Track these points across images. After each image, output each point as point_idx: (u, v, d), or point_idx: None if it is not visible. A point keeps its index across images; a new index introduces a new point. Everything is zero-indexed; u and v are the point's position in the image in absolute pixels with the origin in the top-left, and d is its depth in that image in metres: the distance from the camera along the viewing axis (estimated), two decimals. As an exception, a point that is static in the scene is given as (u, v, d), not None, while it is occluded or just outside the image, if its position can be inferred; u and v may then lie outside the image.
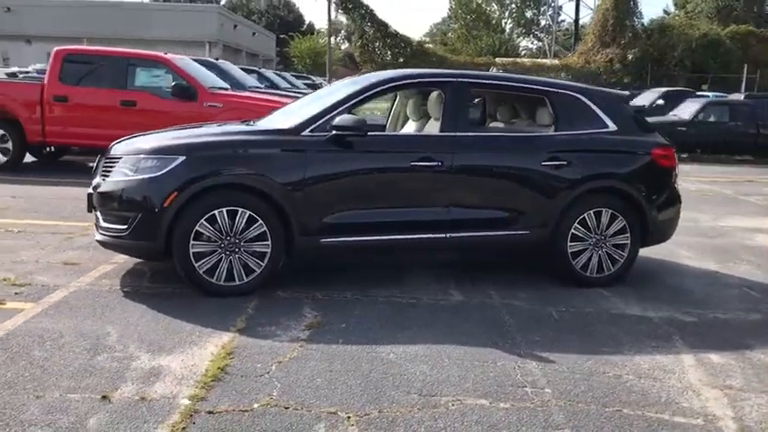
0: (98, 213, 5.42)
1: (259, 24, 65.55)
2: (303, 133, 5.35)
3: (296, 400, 3.58)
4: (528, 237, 5.76)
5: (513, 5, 73.43)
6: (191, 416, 3.35)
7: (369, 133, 5.41)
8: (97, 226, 5.46)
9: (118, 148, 5.56)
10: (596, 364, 4.25)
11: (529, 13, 73.69)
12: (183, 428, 3.24)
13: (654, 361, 4.37)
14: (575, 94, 6.03)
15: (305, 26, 71.48)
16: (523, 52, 67.24)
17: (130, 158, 5.25)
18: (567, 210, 5.79)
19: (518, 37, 74.48)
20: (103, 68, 11.15)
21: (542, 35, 70.32)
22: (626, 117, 6.16)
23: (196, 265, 5.12)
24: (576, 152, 5.83)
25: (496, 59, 40.04)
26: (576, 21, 53.18)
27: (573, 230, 5.82)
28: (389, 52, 35.57)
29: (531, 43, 75.31)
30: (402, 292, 5.51)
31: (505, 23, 72.76)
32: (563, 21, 70.23)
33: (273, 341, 4.38)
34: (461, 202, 5.62)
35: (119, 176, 5.25)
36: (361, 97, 5.59)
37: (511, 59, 40.11)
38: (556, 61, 41.35)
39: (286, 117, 5.88)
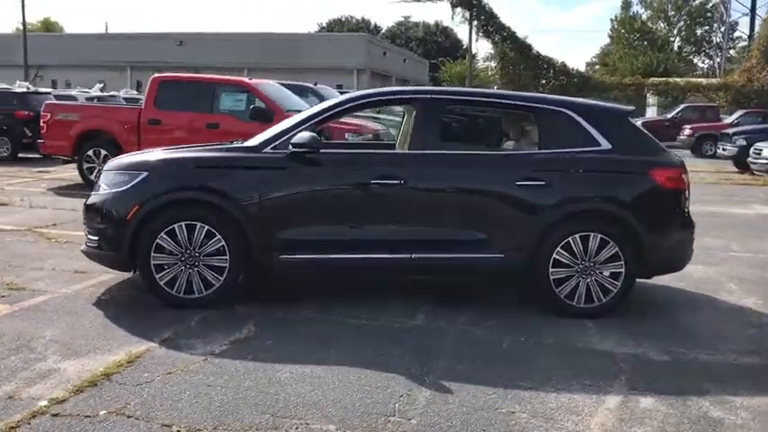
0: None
1: (416, 51, 66.92)
2: (264, 150, 5.42)
3: (145, 410, 3.61)
4: (502, 260, 5.43)
5: (682, 23, 69.39)
6: (33, 416, 3.49)
7: (331, 151, 5.40)
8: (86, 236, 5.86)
9: (106, 164, 5.94)
10: (499, 399, 3.92)
11: (699, 31, 69.22)
12: (14, 428, 3.38)
13: (568, 400, 3.95)
14: (564, 110, 5.62)
15: (461, 51, 71.91)
16: (693, 71, 63.16)
17: (108, 174, 5.59)
18: (546, 233, 5.40)
19: (688, 55, 70.15)
20: (193, 93, 11.92)
21: (714, 53, 65.67)
22: (624, 135, 5.65)
23: (157, 276, 5.33)
24: (557, 172, 5.43)
25: (651, 79, 37.99)
26: (750, 37, 49.22)
27: (555, 255, 5.41)
28: (531, 74, 34.87)
29: (702, 62, 70.58)
30: (366, 313, 5.39)
31: (673, 41, 68.90)
32: (738, 37, 65.20)
33: (184, 353, 4.45)
34: (427, 223, 5.42)
35: (97, 190, 5.60)
36: (325, 115, 5.58)
37: (663, 79, 37.81)
38: (714, 80, 38.46)
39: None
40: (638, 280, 5.67)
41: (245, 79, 12.27)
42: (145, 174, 5.38)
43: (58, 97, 18.00)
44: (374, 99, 5.74)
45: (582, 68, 47.99)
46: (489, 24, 34.85)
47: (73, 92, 23.38)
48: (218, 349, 4.55)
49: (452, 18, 37.94)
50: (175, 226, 5.29)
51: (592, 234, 5.40)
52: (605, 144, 5.53)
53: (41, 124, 12.65)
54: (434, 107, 5.55)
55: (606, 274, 5.44)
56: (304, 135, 5.29)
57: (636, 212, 5.43)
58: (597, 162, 5.50)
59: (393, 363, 4.40)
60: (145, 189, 5.32)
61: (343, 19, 75.80)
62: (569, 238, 5.40)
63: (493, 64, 46.64)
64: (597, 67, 69.30)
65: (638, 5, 70.98)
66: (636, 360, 4.63)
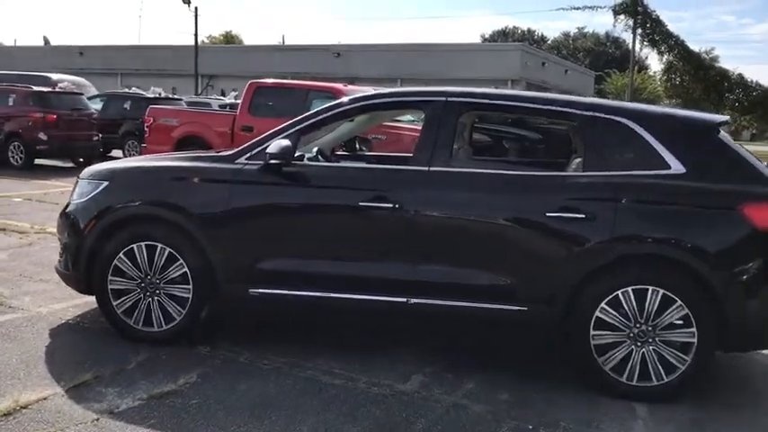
0: (63, 238, 5.20)
1: (583, 62, 63.77)
2: (238, 161, 4.50)
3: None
4: (525, 315, 4.13)
5: None
6: None
7: (315, 164, 4.40)
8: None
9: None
10: None
11: None
12: None
13: None
14: (622, 119, 4.20)
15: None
16: None
17: (80, 182, 4.92)
18: (587, 283, 4.05)
19: None
20: (286, 100, 11.33)
21: None
22: (706, 155, 4.14)
23: (114, 303, 4.57)
24: (605, 201, 4.04)
25: None
26: None
27: (599, 314, 4.03)
28: (701, 87, 31.57)
29: None
30: (348, 368, 4.30)
31: None
32: None
33: (81, 407, 3.61)
34: (428, 260, 4.25)
35: (68, 200, 4.96)
36: (309, 122, 4.54)
37: None
38: None
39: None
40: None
41: (339, 85, 11.51)
42: (105, 183, 4.65)
43: (189, 104, 18.40)
44: (369, 103, 4.60)
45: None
46: (655, 32, 31.99)
47: (211, 99, 24.03)
48: (124, 405, 3.66)
49: (614, 26, 35.43)
50: (134, 246, 4.51)
51: (651, 288, 3.96)
52: (677, 166, 4.06)
53: (145, 129, 12.66)
54: (446, 113, 4.35)
55: (671, 343, 3.98)
56: (278, 143, 4.31)
57: (717, 262, 3.93)
58: (664, 190, 4.04)
59: (324, 447, 3.30)
60: (102, 201, 4.59)
61: (507, 30, 74.03)
62: (619, 292, 4.00)
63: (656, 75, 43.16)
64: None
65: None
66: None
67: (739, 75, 31.85)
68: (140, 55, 50.05)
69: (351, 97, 4.60)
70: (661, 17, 31.74)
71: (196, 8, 42.66)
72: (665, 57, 32.36)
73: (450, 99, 4.39)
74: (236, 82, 47.26)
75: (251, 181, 4.41)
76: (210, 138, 11.79)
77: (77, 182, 4.95)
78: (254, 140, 4.59)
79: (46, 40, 57.34)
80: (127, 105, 18.19)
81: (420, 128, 10.73)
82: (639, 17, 31.66)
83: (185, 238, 4.44)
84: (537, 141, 5.03)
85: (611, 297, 4.02)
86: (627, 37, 71.90)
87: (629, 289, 3.99)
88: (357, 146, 5.98)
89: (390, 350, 4.63)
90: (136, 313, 4.55)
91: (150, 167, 4.74)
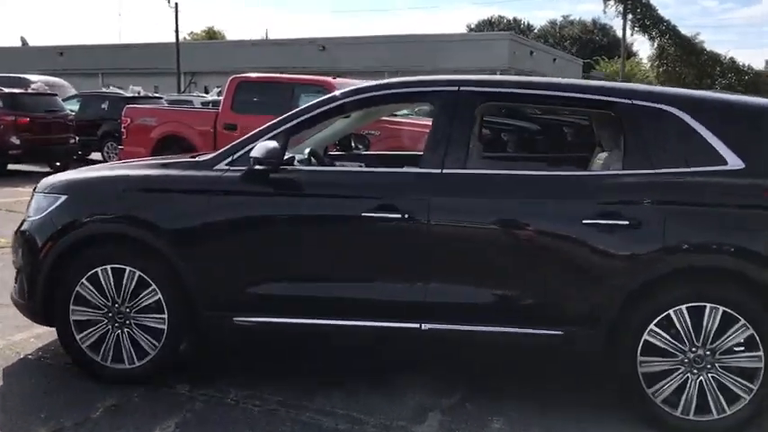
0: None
1: (570, 50, 63.16)
2: (217, 167, 3.85)
3: None
4: (561, 339, 3.51)
5: None
6: None
7: (308, 168, 3.77)
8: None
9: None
10: None
11: None
12: None
13: None
14: (667, 107, 3.58)
15: (619, 49, 67.27)
16: None
17: (36, 196, 4.25)
18: (632, 301, 3.43)
19: None
20: (271, 95, 10.66)
21: None
22: (768, 146, 3.53)
23: (78, 336, 3.92)
24: (652, 205, 3.43)
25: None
26: None
27: (647, 336, 3.43)
28: (693, 72, 31.12)
29: None
30: (348, 407, 3.67)
31: None
32: None
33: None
34: (445, 278, 3.62)
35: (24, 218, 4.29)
36: (303, 118, 3.88)
37: None
38: None
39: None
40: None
41: (328, 78, 10.84)
42: (63, 198, 3.98)
43: (170, 103, 17.67)
44: (368, 96, 3.91)
45: (761, 66, 42.67)
46: (646, 17, 31.51)
47: (192, 96, 23.28)
48: (84, 470, 3.03)
49: (605, 12, 34.92)
50: (99, 270, 3.85)
51: (708, 306, 3.36)
52: (734, 161, 3.44)
53: (122, 130, 11.94)
54: (460, 105, 3.70)
55: (733, 369, 3.38)
56: (264, 146, 3.66)
57: (787, 274, 3.33)
58: (720, 190, 3.43)
59: None
60: (60, 218, 3.92)
61: (492, 20, 73.26)
62: (671, 311, 3.40)
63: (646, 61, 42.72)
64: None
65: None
66: None
67: (731, 59, 31.50)
68: (121, 54, 49.02)
69: (346, 90, 3.94)
70: (651, 1, 31.25)
71: (176, 4, 41.78)
72: (656, 42, 31.94)
73: (463, 89, 3.74)
74: (220, 79, 46.39)
75: (233, 191, 3.75)
76: (192, 137, 11.09)
77: (33, 195, 4.28)
78: (235, 143, 3.94)
79: (23, 41, 56.05)
80: (105, 106, 17.41)
81: (418, 122, 10.27)
82: (629, 2, 31.17)
83: (157, 259, 3.80)
84: (553, 135, 4.39)
85: (661, 317, 3.41)
86: (615, 24, 71.45)
87: (683, 307, 3.39)
88: (353, 144, 5.33)
89: (398, 380, 3.99)
90: (103, 348, 3.90)
91: (114, 177, 4.08)
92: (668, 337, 3.41)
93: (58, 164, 14.99)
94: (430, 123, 10.35)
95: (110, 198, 3.92)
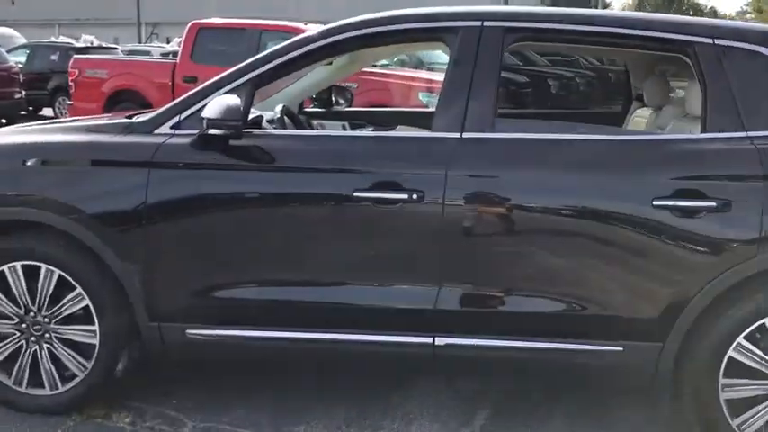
0: None
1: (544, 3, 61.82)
2: (158, 132, 2.88)
3: None
4: (620, 358, 2.67)
5: None
6: None
7: (267, 131, 2.85)
8: None
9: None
10: None
11: None
12: None
13: None
14: (757, 47, 2.69)
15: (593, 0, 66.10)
16: None
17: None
18: (716, 307, 2.59)
19: None
20: (236, 43, 9.58)
21: None
22: None
23: (-19, 354, 2.99)
24: (746, 181, 2.56)
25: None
26: None
27: (733, 353, 2.60)
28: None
29: None
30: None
31: None
32: None
33: None
34: (467, 278, 2.73)
35: None
36: (274, 65, 2.87)
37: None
38: None
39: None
40: None
41: (300, 24, 9.75)
42: (-41, 173, 3.00)
43: (128, 54, 16.37)
44: (359, 34, 2.80)
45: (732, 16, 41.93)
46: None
47: (152, 47, 21.86)
48: None
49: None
50: (5, 268, 2.91)
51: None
52: None
53: (69, 83, 10.76)
54: (485, 47, 2.76)
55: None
56: (221, 102, 2.69)
57: None
58: (838, 160, 2.57)
59: None
60: (-51, 202, 2.95)
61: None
62: (765, 320, 2.57)
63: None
64: (750, 15, 61.41)
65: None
66: None
67: (712, 8, 30.68)
68: (79, 3, 46.64)
69: (331, 26, 2.95)
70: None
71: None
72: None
73: (488, 24, 2.79)
74: (183, 30, 44.48)
75: (179, 163, 2.80)
76: (147, 91, 10.03)
77: None
78: (182, 98, 2.96)
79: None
80: (55, 57, 15.96)
81: (401, 73, 9.30)
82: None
83: (83, 253, 2.85)
84: (623, 86, 3.49)
85: (753, 328, 2.58)
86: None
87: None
88: (333, 99, 4.38)
89: (398, 402, 3.14)
90: (17, 368, 2.98)
91: (19, 146, 3.07)
92: (761, 354, 2.59)
93: (3, 120, 13.77)
94: (414, 75, 9.36)
95: (14, 174, 2.93)
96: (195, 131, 2.80)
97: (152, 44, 27.89)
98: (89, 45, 16.82)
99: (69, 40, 18.58)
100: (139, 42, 38.52)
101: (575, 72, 4.35)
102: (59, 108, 15.51)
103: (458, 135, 2.70)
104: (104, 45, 18.05)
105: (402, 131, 3.08)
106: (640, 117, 3.72)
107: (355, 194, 2.67)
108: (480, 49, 2.76)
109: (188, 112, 2.87)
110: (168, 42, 27.06)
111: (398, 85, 8.67)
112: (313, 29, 7.83)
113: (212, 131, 2.70)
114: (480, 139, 2.70)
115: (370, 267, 2.77)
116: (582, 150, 2.73)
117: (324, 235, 2.78)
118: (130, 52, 17.28)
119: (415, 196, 2.64)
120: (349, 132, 3.26)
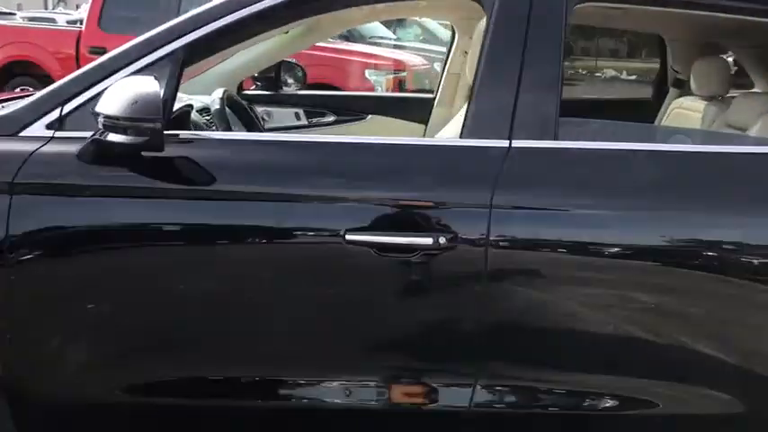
0: None
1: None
2: (26, 132, 1.80)
3: None
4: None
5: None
6: None
7: (202, 134, 1.85)
8: None
9: None
10: None
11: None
12: None
13: None
14: None
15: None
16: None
17: None
18: None
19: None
20: (152, 7, 8.33)
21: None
22: None
23: None
24: None
25: None
26: None
27: None
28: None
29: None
30: None
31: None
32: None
33: None
34: (516, 354, 1.80)
35: None
36: (211, 30, 1.82)
37: None
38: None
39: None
40: None
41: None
42: None
43: (29, 21, 14.60)
44: None
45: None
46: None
47: (57, 13, 19.98)
48: None
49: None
50: None
51: None
52: None
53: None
54: (543, 13, 1.80)
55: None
56: (126, 89, 1.63)
57: None
58: None
59: None
60: None
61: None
62: None
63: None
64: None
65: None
66: None
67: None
68: (-25, -35, 43.23)
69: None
70: None
71: None
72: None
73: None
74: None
75: (60, 185, 1.74)
76: (47, 63, 8.70)
77: None
78: (63, 80, 1.87)
79: None
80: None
81: (347, 48, 8.34)
82: None
83: None
84: (720, 74, 2.61)
85: None
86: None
87: None
88: (283, 78, 3.36)
89: None
90: None
91: None
92: None
93: None
94: (362, 50, 8.30)
95: None
96: (87, 134, 1.75)
97: (58, 11, 25.70)
98: (-19, 10, 14.93)
99: (-42, 5, 16.53)
100: (46, 9, 35.81)
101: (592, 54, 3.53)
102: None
103: (505, 144, 1.74)
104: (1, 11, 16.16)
105: (401, 134, 2.12)
106: (686, 109, 2.86)
107: (348, 237, 1.68)
108: (534, 10, 1.80)
109: (75, 103, 1.79)
110: (78, 9, 25.02)
111: (346, 62, 7.65)
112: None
113: (113, 137, 1.65)
114: (539, 150, 1.75)
115: (369, 353, 1.79)
116: (702, 168, 1.80)
117: (296, 303, 1.77)
118: (31, 19, 15.47)
119: (442, 240, 1.67)
120: (330, 139, 2.15)
